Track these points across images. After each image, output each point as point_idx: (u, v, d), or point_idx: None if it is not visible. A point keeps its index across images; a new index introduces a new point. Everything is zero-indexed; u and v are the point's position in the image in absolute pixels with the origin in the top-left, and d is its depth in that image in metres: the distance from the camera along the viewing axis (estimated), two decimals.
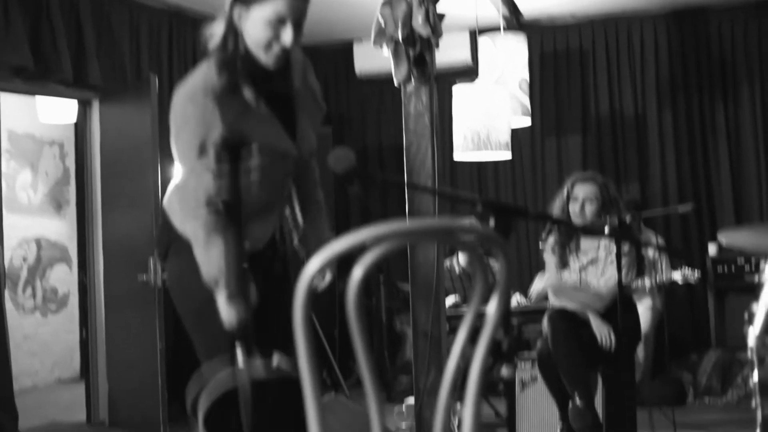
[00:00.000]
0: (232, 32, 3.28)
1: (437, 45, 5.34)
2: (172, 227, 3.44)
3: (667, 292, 7.48)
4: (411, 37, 5.39)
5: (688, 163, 8.80)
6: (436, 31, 5.23)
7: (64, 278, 10.12)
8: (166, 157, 7.39)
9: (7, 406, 6.35)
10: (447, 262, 7.19)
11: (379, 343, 8.99)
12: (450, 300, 6.89)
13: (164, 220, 3.51)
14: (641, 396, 6.35)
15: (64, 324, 10.10)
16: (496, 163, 9.08)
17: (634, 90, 8.96)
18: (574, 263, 5.35)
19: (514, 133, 7.17)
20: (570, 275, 5.34)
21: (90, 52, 7.04)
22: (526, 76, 7.38)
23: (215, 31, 3.33)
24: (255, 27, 3.25)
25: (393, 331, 8.74)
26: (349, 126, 9.73)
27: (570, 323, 5.10)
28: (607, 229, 4.84)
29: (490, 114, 6.56)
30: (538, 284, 5.61)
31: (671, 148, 8.81)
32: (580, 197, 5.31)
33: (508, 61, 7.25)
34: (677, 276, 7.07)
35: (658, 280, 7.11)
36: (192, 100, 3.25)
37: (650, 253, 7.14)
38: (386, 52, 5.25)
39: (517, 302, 6.87)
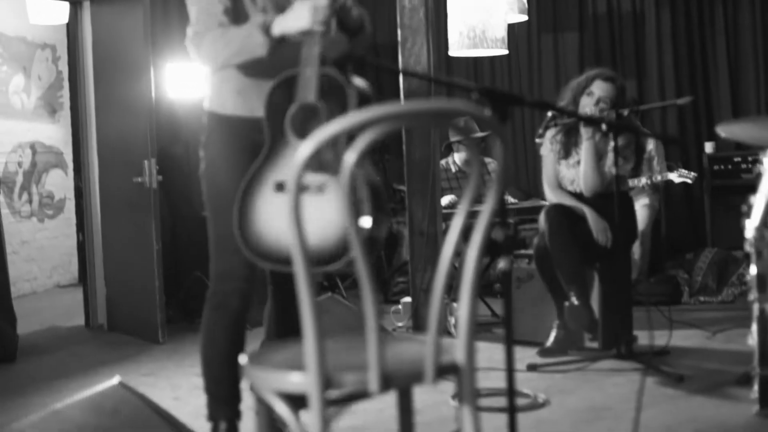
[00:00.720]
0: None
1: None
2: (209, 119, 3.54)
3: (663, 190, 7.46)
4: None
5: (685, 61, 8.72)
6: None
7: (60, 183, 10.09)
8: (160, 58, 7.36)
9: (5, 312, 6.34)
10: (443, 162, 7.15)
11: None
12: (446, 199, 6.87)
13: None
14: (637, 294, 6.37)
15: (61, 229, 10.10)
16: (492, 59, 9.01)
17: None
18: (573, 157, 5.30)
19: (511, 29, 7.08)
20: (568, 170, 5.30)
21: None
22: None
23: None
24: None
25: (390, 233, 8.73)
26: None
27: (567, 218, 5.07)
28: (604, 126, 4.79)
29: (486, 9, 6.47)
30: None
31: (669, 46, 8.73)
32: (596, 94, 5.19)
33: None
34: (673, 176, 7.06)
35: (654, 179, 7.10)
36: None
37: (648, 149, 7.11)
38: None
39: (511, 201, 6.85)
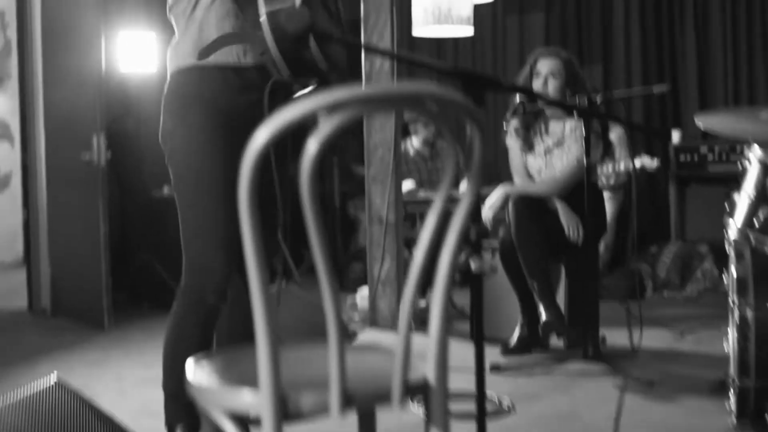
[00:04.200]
0: None
1: None
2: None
3: (627, 181, 7.26)
4: None
5: (654, 45, 8.53)
6: None
7: (6, 156, 9.65)
8: (112, 27, 7.05)
9: None
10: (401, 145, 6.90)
11: (332, 229, 8.76)
12: (406, 185, 6.62)
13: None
14: (600, 289, 6.16)
15: (6, 205, 9.67)
16: (456, 40, 8.79)
17: None
18: (539, 146, 5.08)
19: (476, 9, 6.84)
20: (535, 159, 5.08)
21: None
22: None
23: None
24: None
25: (346, 217, 8.50)
26: None
27: (534, 210, 4.85)
28: (575, 113, 4.58)
29: None
30: (494, 195, 5.19)
31: (637, 29, 8.53)
32: (543, 72, 5.00)
33: None
34: (636, 164, 6.87)
35: (617, 168, 6.91)
36: None
37: (612, 137, 6.91)
38: None
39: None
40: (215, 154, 3.00)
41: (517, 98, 4.97)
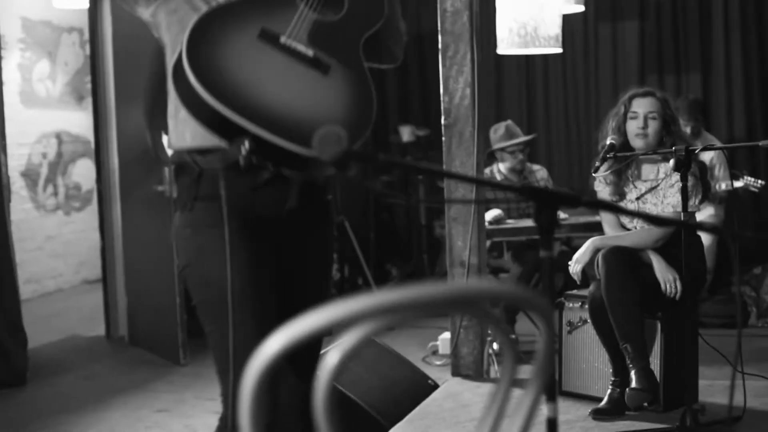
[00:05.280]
0: None
1: None
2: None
3: (729, 200, 6.81)
4: None
5: (755, 52, 8.03)
6: None
7: (87, 173, 9.57)
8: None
9: (15, 332, 5.91)
10: (486, 171, 6.56)
11: (417, 248, 8.48)
12: (491, 214, 6.27)
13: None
14: (699, 316, 5.73)
15: (89, 222, 9.59)
16: (545, 57, 8.42)
17: None
18: (631, 193, 4.69)
19: (565, 19, 6.47)
20: (626, 207, 4.69)
21: None
22: None
23: None
24: None
25: (432, 235, 8.20)
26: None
27: (627, 265, 4.45)
28: (672, 162, 4.18)
29: (538, 4, 5.89)
30: (583, 248, 4.79)
31: (737, 37, 8.04)
32: (640, 113, 4.61)
33: None
34: (738, 184, 6.44)
35: (718, 188, 6.48)
36: None
37: (708, 158, 6.50)
38: None
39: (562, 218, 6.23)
40: (239, 265, 2.62)
41: (608, 140, 4.59)
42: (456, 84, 5.17)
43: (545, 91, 8.74)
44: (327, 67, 2.48)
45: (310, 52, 2.48)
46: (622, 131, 4.65)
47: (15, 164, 8.51)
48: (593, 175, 4.69)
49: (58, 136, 9.31)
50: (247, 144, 2.36)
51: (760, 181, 6.49)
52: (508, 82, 8.80)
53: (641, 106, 4.63)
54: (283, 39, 2.49)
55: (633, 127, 4.62)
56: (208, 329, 2.69)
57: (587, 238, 4.82)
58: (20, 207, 8.53)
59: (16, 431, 5.02)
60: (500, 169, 6.58)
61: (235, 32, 2.46)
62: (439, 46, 5.18)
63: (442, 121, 5.23)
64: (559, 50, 6.20)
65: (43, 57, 9.13)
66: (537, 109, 8.79)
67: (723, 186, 6.52)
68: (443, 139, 5.25)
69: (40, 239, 8.96)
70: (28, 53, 8.93)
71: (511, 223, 6.21)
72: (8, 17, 8.58)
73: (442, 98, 5.20)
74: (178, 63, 2.40)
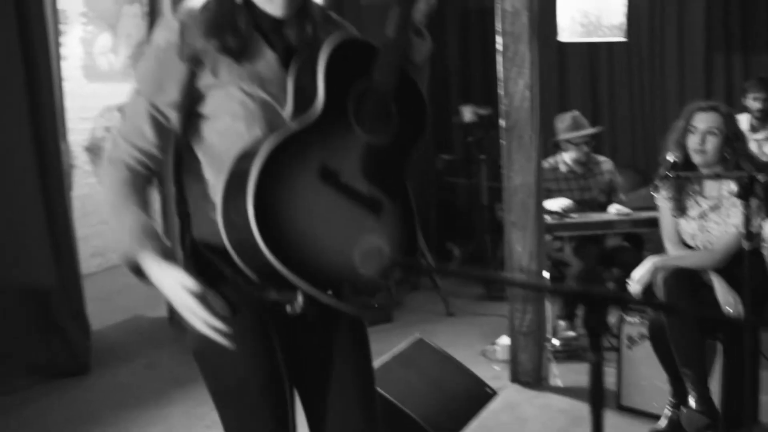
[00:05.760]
0: None
1: None
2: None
3: None
4: None
5: None
6: None
7: None
8: None
9: (77, 320, 5.97)
10: (551, 161, 6.45)
11: (480, 230, 8.39)
12: (556, 203, 6.16)
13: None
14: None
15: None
16: (609, 44, 8.22)
17: None
18: (693, 210, 4.57)
19: (631, 3, 6.30)
20: (688, 223, 4.58)
21: None
22: None
23: None
24: None
25: (494, 218, 8.11)
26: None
27: (688, 287, 4.35)
28: (735, 188, 4.07)
29: None
30: (642, 267, 4.67)
31: None
32: (700, 128, 4.48)
33: None
34: None
35: None
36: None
37: None
38: None
39: (624, 212, 6.11)
40: (252, 360, 2.48)
41: (670, 157, 4.48)
42: (516, 86, 5.08)
43: (609, 80, 8.61)
44: (380, 205, 2.34)
45: (366, 191, 2.32)
46: (682, 146, 4.54)
47: (78, 138, 8.53)
48: (652, 193, 4.59)
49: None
50: (300, 300, 2.26)
51: None
52: (572, 71, 8.65)
53: (702, 121, 4.51)
54: (343, 179, 2.31)
55: (692, 142, 4.51)
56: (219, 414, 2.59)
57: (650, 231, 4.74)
58: (84, 181, 8.56)
59: (73, 430, 5.03)
60: (565, 160, 6.45)
61: (298, 173, 2.25)
62: (500, 47, 5.08)
63: (503, 124, 5.15)
64: (623, 39, 6.06)
65: (105, 30, 9.12)
66: (602, 98, 8.64)
67: None
68: (503, 142, 5.17)
69: (104, 213, 9.02)
70: (90, 27, 8.92)
71: (575, 218, 6.10)
72: None
73: (502, 100, 5.11)
74: (233, 205, 2.20)
